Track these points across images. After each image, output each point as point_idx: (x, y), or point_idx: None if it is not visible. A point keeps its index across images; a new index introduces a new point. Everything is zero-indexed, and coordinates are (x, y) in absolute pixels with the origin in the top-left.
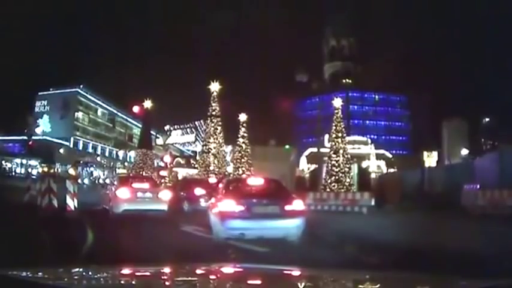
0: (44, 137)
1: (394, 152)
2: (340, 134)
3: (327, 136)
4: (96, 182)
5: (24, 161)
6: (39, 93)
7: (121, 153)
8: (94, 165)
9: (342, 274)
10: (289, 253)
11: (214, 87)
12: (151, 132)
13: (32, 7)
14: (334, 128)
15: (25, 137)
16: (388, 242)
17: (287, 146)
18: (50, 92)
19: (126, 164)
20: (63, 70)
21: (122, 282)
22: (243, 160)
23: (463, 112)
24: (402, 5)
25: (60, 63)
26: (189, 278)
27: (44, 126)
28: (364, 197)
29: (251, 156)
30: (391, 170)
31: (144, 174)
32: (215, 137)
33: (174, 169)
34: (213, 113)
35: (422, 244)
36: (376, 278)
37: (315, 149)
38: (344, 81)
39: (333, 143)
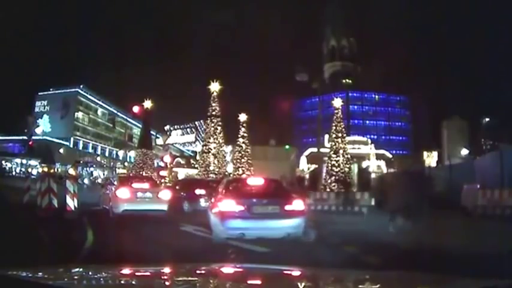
0: (44, 137)
1: (394, 152)
2: (340, 134)
3: (327, 136)
4: (96, 182)
5: (24, 161)
6: (39, 93)
7: (121, 153)
8: (94, 165)
9: (342, 274)
10: (289, 253)
11: (214, 87)
12: (151, 132)
13: (32, 8)
14: (334, 128)
15: (25, 137)
16: (388, 242)
17: (287, 146)
18: (50, 92)
19: (126, 164)
20: (63, 70)
21: (122, 282)
22: (243, 160)
23: (463, 112)
24: (402, 5)
25: (60, 63)
26: (189, 278)
27: (44, 126)
28: (364, 197)
29: (251, 156)
30: (391, 170)
31: (144, 174)
32: (215, 137)
33: (174, 169)
34: (213, 113)
35: (422, 244)
36: (376, 278)
37: (315, 149)
38: (344, 81)
39: (333, 143)
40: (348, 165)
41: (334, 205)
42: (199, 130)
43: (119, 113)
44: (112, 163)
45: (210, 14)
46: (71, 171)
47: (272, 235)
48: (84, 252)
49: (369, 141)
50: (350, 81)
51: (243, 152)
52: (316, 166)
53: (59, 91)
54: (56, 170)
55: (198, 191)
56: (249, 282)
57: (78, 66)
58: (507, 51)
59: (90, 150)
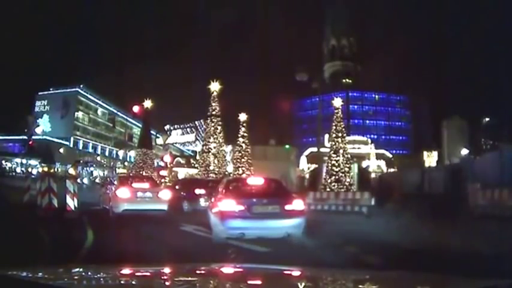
0: (44, 137)
1: (394, 151)
2: (340, 134)
3: (327, 136)
4: (95, 181)
5: (24, 161)
6: (39, 93)
7: (121, 152)
8: (94, 165)
9: (342, 274)
10: (289, 253)
11: (214, 87)
12: (151, 131)
13: (32, 8)
14: (334, 127)
15: (25, 137)
16: (388, 242)
17: (287, 146)
18: (50, 92)
19: (126, 163)
20: (63, 70)
21: (122, 282)
22: (243, 160)
23: (463, 112)
24: (402, 5)
25: (60, 63)
26: (189, 278)
27: (44, 126)
28: (364, 196)
29: (251, 156)
30: (391, 170)
31: (144, 174)
32: (215, 136)
33: (174, 169)
34: (213, 112)
35: (422, 243)
36: (376, 278)
37: (315, 149)
38: (344, 81)
39: (333, 143)
40: (348, 165)
41: (334, 205)
42: (199, 130)
43: (119, 113)
44: (112, 163)
45: (210, 14)
46: (71, 171)
47: (272, 235)
48: (84, 252)
49: (369, 141)
50: (350, 80)
51: (243, 152)
52: (316, 166)
53: (59, 91)
54: (56, 169)
55: (198, 191)
56: (249, 282)
57: (78, 66)
58: (507, 51)
59: (90, 149)
